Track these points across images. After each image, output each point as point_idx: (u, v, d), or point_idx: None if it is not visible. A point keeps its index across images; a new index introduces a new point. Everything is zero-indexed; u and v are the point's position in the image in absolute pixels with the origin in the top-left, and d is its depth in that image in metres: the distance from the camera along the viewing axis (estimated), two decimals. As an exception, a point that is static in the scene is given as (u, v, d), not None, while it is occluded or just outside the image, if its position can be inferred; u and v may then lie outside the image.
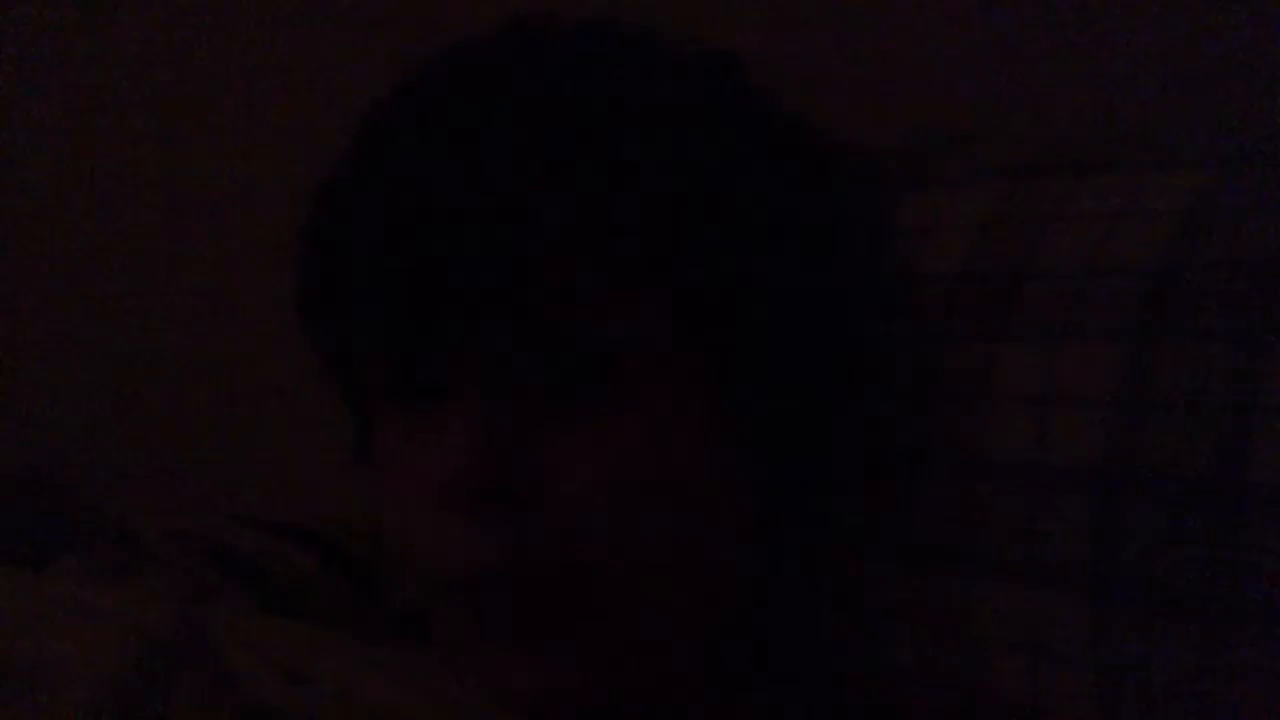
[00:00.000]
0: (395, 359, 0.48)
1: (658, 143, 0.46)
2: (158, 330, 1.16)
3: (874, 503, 0.51)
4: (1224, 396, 0.41)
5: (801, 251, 0.49)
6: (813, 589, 0.54)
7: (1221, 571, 0.40)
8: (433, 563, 0.47)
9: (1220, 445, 0.41)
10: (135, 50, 1.13)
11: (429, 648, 0.53)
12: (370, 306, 0.48)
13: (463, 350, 0.46)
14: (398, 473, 0.49)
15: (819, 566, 0.53)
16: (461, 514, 0.45)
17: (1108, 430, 0.44)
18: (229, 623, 0.48)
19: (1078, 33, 0.65)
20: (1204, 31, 0.61)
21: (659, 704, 0.49)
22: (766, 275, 0.48)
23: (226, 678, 0.42)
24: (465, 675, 0.48)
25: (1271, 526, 0.39)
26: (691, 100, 0.48)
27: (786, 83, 0.52)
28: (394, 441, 0.49)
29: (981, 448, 0.47)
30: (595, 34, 0.50)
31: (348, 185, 0.49)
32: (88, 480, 1.11)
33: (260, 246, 1.05)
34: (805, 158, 0.52)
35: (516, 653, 0.46)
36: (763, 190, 0.48)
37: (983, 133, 0.57)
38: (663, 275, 0.46)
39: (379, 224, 0.46)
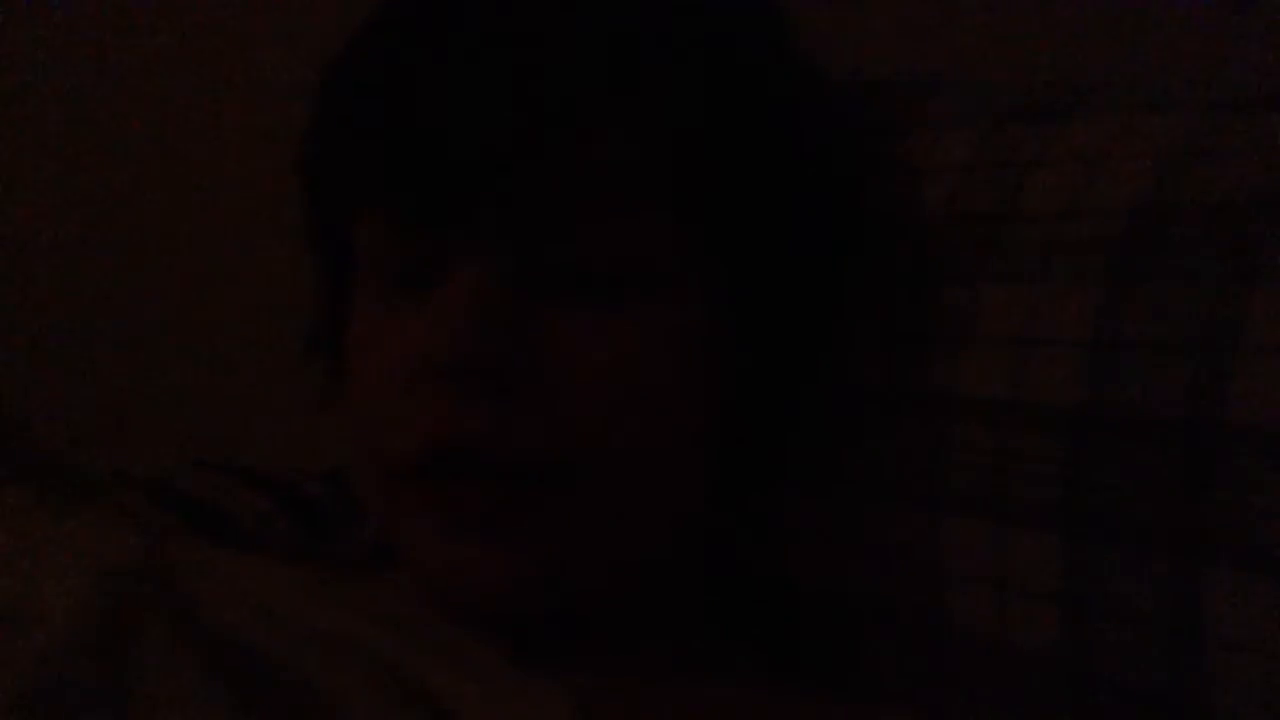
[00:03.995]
0: (403, 225, 0.47)
1: (696, 73, 0.47)
2: (113, 278, 1.14)
3: (844, 438, 0.51)
4: (1199, 337, 0.42)
5: (813, 191, 0.50)
6: (776, 522, 0.54)
7: (1196, 512, 0.41)
8: (408, 439, 0.46)
9: (1195, 386, 0.41)
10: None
11: (387, 581, 0.53)
12: (391, 164, 0.46)
13: (474, 228, 0.46)
14: (379, 349, 0.48)
15: (785, 500, 0.54)
16: (448, 387, 0.44)
17: (1083, 370, 0.44)
18: (190, 556, 0.47)
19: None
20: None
21: (613, 615, 0.49)
22: (777, 213, 0.49)
23: (194, 614, 0.41)
24: (423, 583, 0.48)
25: (1249, 467, 0.40)
26: (728, 34, 0.49)
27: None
28: (377, 319, 0.48)
29: (957, 386, 0.47)
30: None
31: (385, 30, 0.48)
32: (38, 423, 1.09)
33: (227, 198, 1.05)
34: (823, 98, 0.52)
35: (479, 543, 0.45)
36: (785, 132, 0.49)
37: (964, 78, 0.57)
38: (681, 198, 0.47)
39: (416, 79, 0.45)
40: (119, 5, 1.10)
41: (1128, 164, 0.46)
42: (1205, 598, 0.41)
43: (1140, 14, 0.62)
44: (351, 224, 0.50)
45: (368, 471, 0.49)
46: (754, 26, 0.51)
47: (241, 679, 0.38)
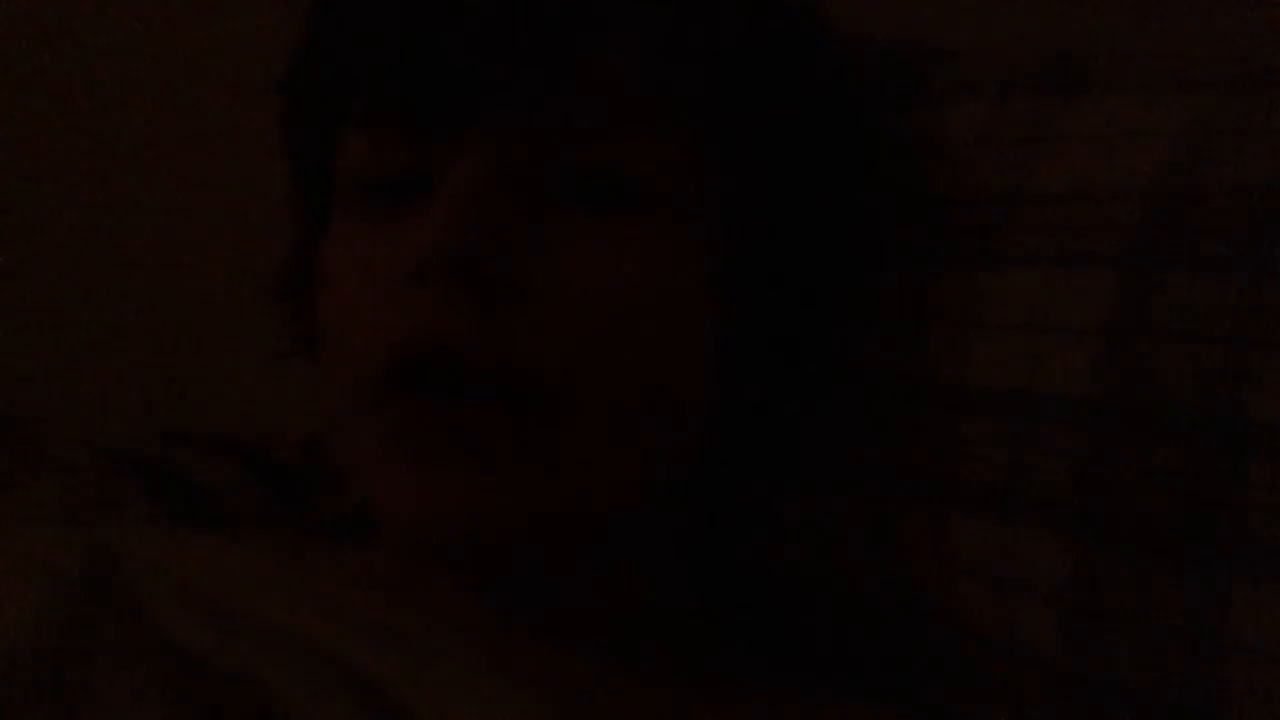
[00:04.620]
0: (398, 131, 0.46)
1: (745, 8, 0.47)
2: (80, 249, 1.12)
3: (850, 429, 0.49)
4: (1222, 328, 0.40)
5: (828, 140, 0.49)
6: (779, 514, 0.52)
7: (1218, 513, 0.39)
8: (389, 341, 0.44)
9: (1217, 380, 0.39)
10: None
11: (361, 555, 0.51)
12: (389, 66, 0.45)
13: (473, 128, 0.44)
14: (360, 261, 0.46)
15: (788, 492, 0.52)
16: (434, 289, 0.43)
17: (1100, 361, 0.42)
18: (137, 548, 0.44)
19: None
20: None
21: (595, 582, 0.48)
22: (793, 156, 0.48)
23: (147, 621, 0.39)
24: (391, 523, 0.46)
25: (1273, 467, 0.38)
26: None
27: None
28: (358, 234, 0.47)
29: (967, 376, 0.45)
30: None
31: None
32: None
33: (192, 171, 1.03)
34: (840, 55, 0.52)
35: (450, 466, 0.43)
36: (807, 74, 0.49)
37: (966, 48, 0.54)
38: (697, 129, 0.46)
39: None
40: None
41: (1144, 144, 0.44)
42: (1224, 604, 0.39)
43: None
44: (336, 141, 0.48)
45: (341, 392, 0.47)
46: None
47: (195, 689, 0.36)
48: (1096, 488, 0.42)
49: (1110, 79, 0.47)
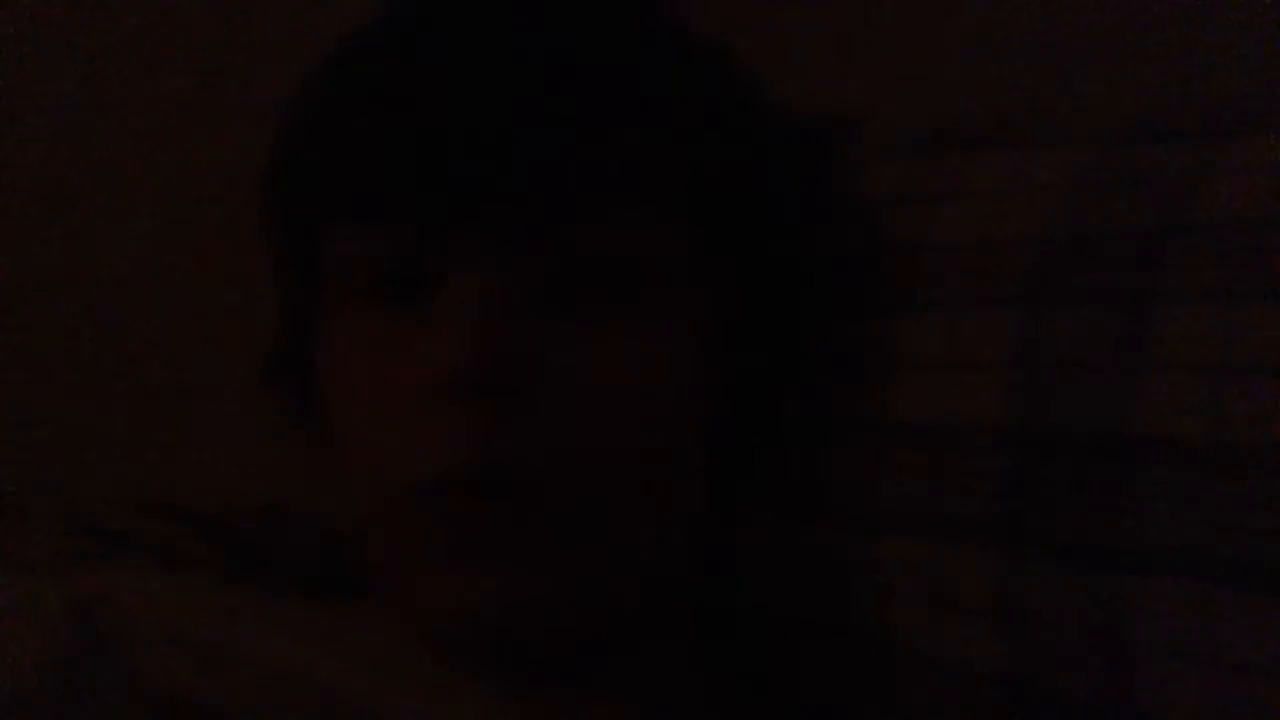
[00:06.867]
0: (399, 234, 0.45)
1: (697, 80, 0.49)
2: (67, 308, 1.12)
3: (785, 462, 0.53)
4: (1110, 356, 0.44)
5: (806, 215, 0.52)
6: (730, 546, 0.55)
7: (1114, 518, 0.43)
8: (433, 459, 0.44)
9: (1109, 402, 0.44)
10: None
11: (347, 612, 0.53)
12: (391, 168, 0.44)
13: (474, 238, 0.44)
14: (376, 368, 0.46)
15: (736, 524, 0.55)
16: (462, 409, 0.43)
17: (1007, 391, 0.47)
18: (126, 591, 0.46)
19: (967, 20, 0.68)
20: (1088, 15, 0.64)
21: (605, 640, 0.49)
22: (779, 231, 0.51)
23: (134, 668, 0.41)
24: (422, 615, 0.46)
25: (1155, 476, 0.42)
26: (719, 57, 0.52)
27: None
28: (367, 338, 0.46)
29: (890, 412, 0.50)
30: None
31: (381, 35, 0.47)
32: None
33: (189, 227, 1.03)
34: (801, 129, 0.55)
35: (486, 562, 0.44)
36: (785, 151, 0.52)
37: (871, 117, 0.59)
38: (685, 213, 0.47)
39: (417, 81, 0.44)
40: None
41: (1034, 197, 0.49)
42: (1123, 602, 0.43)
43: (1044, 52, 0.65)
44: (329, 239, 0.48)
45: (368, 497, 0.47)
46: (733, 59, 0.53)
47: None
48: (1014, 503, 0.46)
49: (1006, 137, 0.52)
